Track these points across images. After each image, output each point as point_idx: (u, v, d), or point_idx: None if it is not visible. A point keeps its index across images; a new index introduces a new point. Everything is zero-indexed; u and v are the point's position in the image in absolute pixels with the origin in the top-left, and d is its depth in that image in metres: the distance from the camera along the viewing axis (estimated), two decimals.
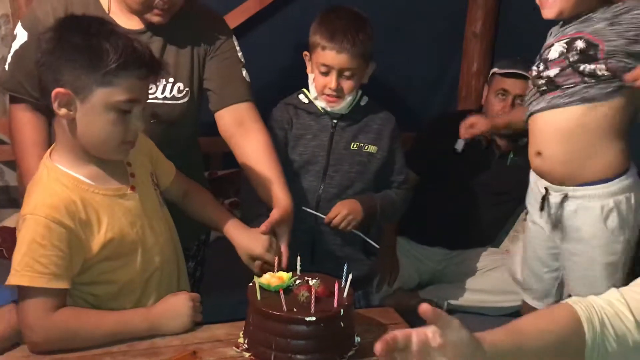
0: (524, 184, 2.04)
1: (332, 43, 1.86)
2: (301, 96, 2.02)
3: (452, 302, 2.55)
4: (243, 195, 2.10)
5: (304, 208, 1.90)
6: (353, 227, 1.92)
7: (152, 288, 1.49)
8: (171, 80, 1.73)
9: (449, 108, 3.16)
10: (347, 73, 1.90)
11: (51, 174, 1.37)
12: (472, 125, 2.32)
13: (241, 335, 1.42)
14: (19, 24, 1.70)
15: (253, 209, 1.85)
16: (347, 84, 1.91)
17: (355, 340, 1.42)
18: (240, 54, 1.82)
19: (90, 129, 1.35)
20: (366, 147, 2.00)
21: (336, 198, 1.96)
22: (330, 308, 1.35)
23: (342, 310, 1.35)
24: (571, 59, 1.73)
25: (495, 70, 2.59)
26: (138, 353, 1.37)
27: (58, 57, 1.31)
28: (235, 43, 1.82)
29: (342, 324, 1.36)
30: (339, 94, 1.92)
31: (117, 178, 1.44)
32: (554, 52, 1.79)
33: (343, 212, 1.90)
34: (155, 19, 1.65)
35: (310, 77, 1.97)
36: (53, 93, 1.31)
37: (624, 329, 1.03)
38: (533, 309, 2.00)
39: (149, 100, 1.64)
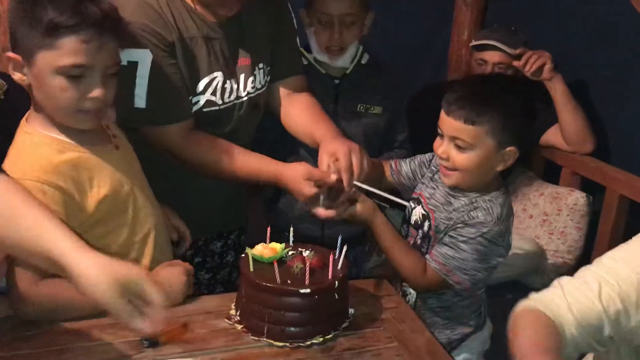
0: None
1: None
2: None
3: None
4: None
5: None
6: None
7: (148, 250, 1.45)
8: (261, 65, 1.70)
9: (438, 77, 3.11)
10: (348, 20, 1.85)
11: (34, 138, 1.31)
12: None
13: (233, 307, 1.40)
14: (127, 51, 1.44)
15: None
16: (349, 33, 1.87)
17: (349, 312, 1.40)
18: (294, 20, 1.79)
19: (42, 95, 1.28)
20: (372, 108, 1.95)
21: None
22: (324, 280, 1.32)
23: (336, 282, 1.33)
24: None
25: (472, 43, 2.66)
26: (127, 326, 1.34)
27: (12, 17, 1.25)
28: (290, 9, 1.79)
29: (336, 295, 1.34)
30: (341, 44, 1.87)
31: (99, 138, 1.39)
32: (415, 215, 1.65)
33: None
34: (227, 11, 1.57)
35: (310, 31, 1.92)
36: (5, 56, 1.26)
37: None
38: None
39: (252, 94, 1.67)
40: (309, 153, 1.81)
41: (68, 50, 1.22)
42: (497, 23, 2.71)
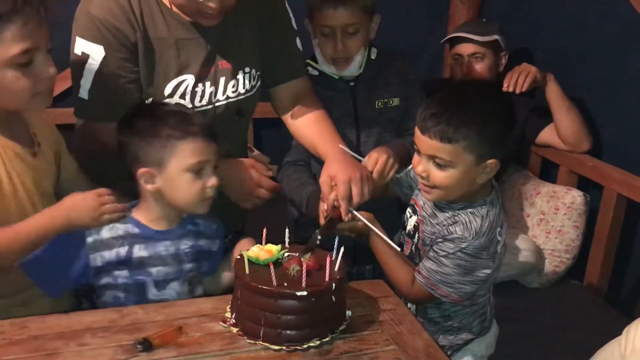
0: None
1: (328, 1, 1.76)
2: (308, 69, 1.90)
3: None
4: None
5: (340, 146, 1.65)
6: (396, 172, 1.67)
7: None
8: (247, 69, 1.65)
9: (434, 75, 3.10)
10: (350, 30, 1.79)
11: None
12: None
13: (228, 309, 1.37)
14: (81, 40, 1.49)
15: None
16: (353, 43, 1.81)
17: (347, 314, 1.38)
18: (293, 20, 1.74)
19: None
20: (390, 101, 1.91)
21: None
22: (321, 282, 1.30)
23: (333, 284, 1.30)
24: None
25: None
26: (120, 329, 1.32)
27: None
28: (288, 9, 1.73)
29: (333, 298, 1.31)
30: (347, 54, 1.82)
31: (22, 140, 1.40)
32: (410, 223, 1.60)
33: (383, 157, 1.63)
34: (206, 22, 1.53)
35: (315, 42, 1.86)
36: None
37: None
38: None
39: (233, 99, 1.62)
40: (319, 163, 1.75)
41: (16, 38, 1.24)
42: (492, 21, 2.69)
